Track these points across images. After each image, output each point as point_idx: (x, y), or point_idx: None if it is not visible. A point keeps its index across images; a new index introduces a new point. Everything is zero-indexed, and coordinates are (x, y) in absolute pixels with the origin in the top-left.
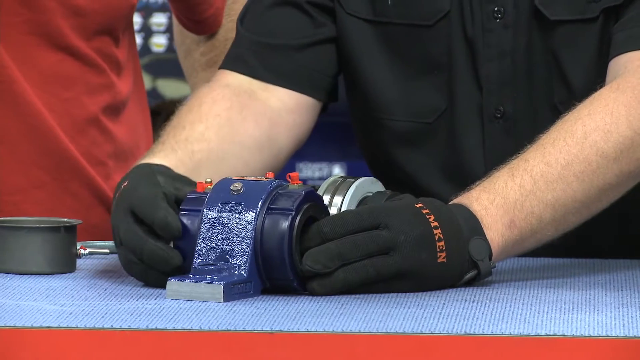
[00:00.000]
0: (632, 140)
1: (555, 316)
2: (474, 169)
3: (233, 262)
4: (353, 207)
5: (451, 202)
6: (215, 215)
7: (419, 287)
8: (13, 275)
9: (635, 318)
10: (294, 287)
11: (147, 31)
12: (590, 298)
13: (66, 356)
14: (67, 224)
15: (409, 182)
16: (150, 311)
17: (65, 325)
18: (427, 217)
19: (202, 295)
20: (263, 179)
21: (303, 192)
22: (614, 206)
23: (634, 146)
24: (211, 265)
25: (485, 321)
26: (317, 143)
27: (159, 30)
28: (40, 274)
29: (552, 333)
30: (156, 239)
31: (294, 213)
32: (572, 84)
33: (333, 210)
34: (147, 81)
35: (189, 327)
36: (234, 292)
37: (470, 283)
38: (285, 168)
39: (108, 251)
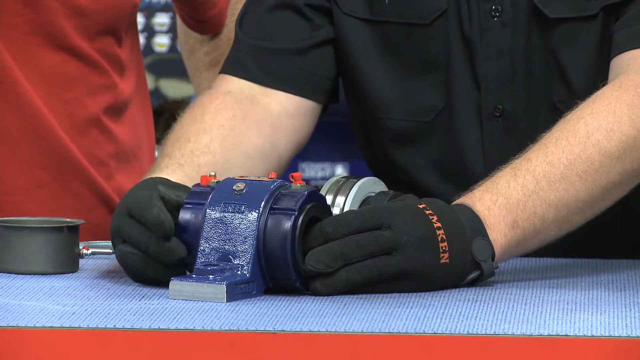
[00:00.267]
0: (635, 138)
1: (557, 316)
2: (474, 168)
3: (236, 262)
4: (356, 207)
5: (454, 203)
6: (218, 215)
7: (422, 287)
8: (16, 275)
9: (638, 318)
10: (296, 287)
11: (150, 31)
12: (592, 298)
13: (69, 356)
14: (69, 224)
15: (409, 181)
16: (152, 311)
17: (67, 325)
18: (430, 217)
19: (205, 295)
20: (266, 179)
21: (306, 192)
22: (617, 205)
23: (636, 145)
24: (214, 265)
25: (488, 321)
26: (319, 143)
27: (161, 30)
28: (42, 274)
29: (554, 333)
30: None
31: (296, 213)
32: (571, 82)
33: (336, 211)
34: (149, 81)
35: (191, 327)
36: (237, 292)
37: (473, 283)
38: (288, 168)
39: (111, 251)
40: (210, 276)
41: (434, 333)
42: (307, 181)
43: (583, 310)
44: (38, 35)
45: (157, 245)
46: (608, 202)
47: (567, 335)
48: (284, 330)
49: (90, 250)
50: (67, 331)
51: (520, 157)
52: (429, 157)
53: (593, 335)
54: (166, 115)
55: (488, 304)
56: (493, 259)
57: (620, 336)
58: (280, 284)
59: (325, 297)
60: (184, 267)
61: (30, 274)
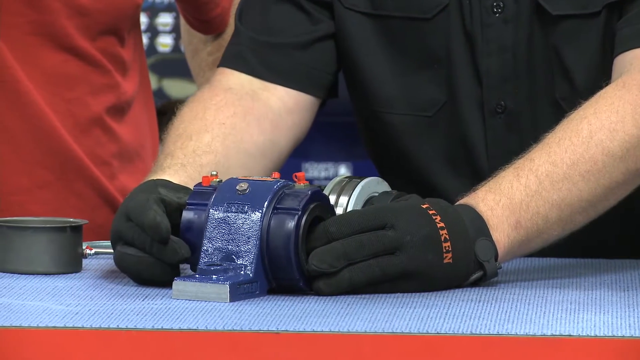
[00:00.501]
0: (639, 138)
1: (561, 316)
2: (478, 163)
3: (239, 262)
4: (359, 207)
5: (457, 203)
6: (221, 215)
7: (425, 287)
8: (19, 275)
9: None
10: (299, 287)
11: (153, 31)
12: (596, 298)
13: (72, 356)
14: (73, 224)
15: (414, 176)
16: (156, 311)
17: (71, 325)
18: (434, 217)
19: (208, 295)
20: (269, 179)
21: (309, 192)
22: (620, 204)
23: None
24: (217, 265)
25: (491, 321)
26: (323, 143)
27: (164, 30)
28: (46, 274)
29: (558, 333)
30: None
31: (300, 212)
32: (574, 79)
33: (339, 211)
34: (152, 81)
35: (194, 327)
36: (240, 292)
37: (476, 283)
38: (291, 168)
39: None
40: (214, 276)
41: (437, 333)
42: (310, 181)
43: (586, 311)
44: (40, 36)
45: (160, 246)
46: (611, 201)
47: (570, 336)
48: (287, 330)
49: (93, 250)
50: (70, 331)
51: (523, 157)
52: (434, 151)
53: (596, 336)
54: (169, 115)
55: (491, 304)
56: (496, 259)
57: (623, 336)
58: (283, 284)
59: (329, 297)
60: (178, 269)
61: (33, 274)
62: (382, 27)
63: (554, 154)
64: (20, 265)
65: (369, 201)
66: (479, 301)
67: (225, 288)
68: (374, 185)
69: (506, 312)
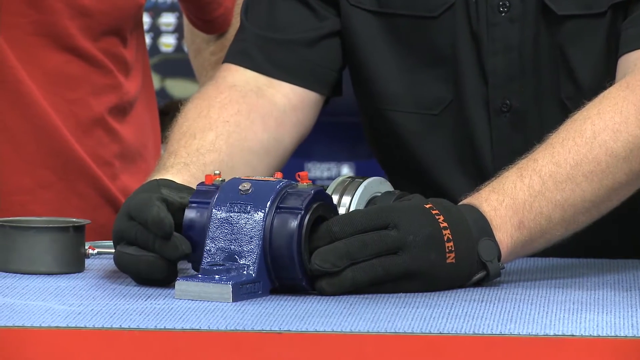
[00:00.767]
0: None
1: (563, 316)
2: (483, 161)
3: (242, 262)
4: (362, 207)
5: (460, 203)
6: (223, 215)
7: (428, 287)
8: (21, 275)
9: None
10: (302, 287)
11: (156, 31)
12: (599, 298)
13: (75, 356)
14: (75, 224)
15: (419, 174)
16: (158, 311)
17: (73, 325)
18: (437, 217)
19: (211, 295)
20: (272, 178)
21: (312, 191)
22: (624, 205)
23: None
24: (220, 265)
25: (493, 321)
26: (325, 143)
27: (167, 30)
28: (48, 274)
29: (560, 333)
30: None
31: (303, 212)
32: (579, 79)
33: (342, 210)
34: (155, 81)
35: (197, 327)
36: (243, 292)
37: (479, 283)
38: (293, 168)
39: None
40: (216, 276)
41: (440, 333)
42: (313, 181)
43: (589, 311)
44: (42, 36)
45: (162, 242)
46: (615, 202)
47: (573, 336)
48: (289, 330)
49: (96, 250)
50: (73, 331)
51: (526, 157)
52: (440, 149)
53: (599, 336)
54: (172, 115)
55: (494, 304)
56: (499, 260)
57: (626, 336)
58: (286, 284)
59: (331, 296)
60: (176, 268)
61: (36, 274)
62: (388, 24)
63: (558, 154)
64: (22, 265)
65: (371, 201)
66: (482, 301)
67: (228, 288)
68: (376, 185)
69: (509, 312)
